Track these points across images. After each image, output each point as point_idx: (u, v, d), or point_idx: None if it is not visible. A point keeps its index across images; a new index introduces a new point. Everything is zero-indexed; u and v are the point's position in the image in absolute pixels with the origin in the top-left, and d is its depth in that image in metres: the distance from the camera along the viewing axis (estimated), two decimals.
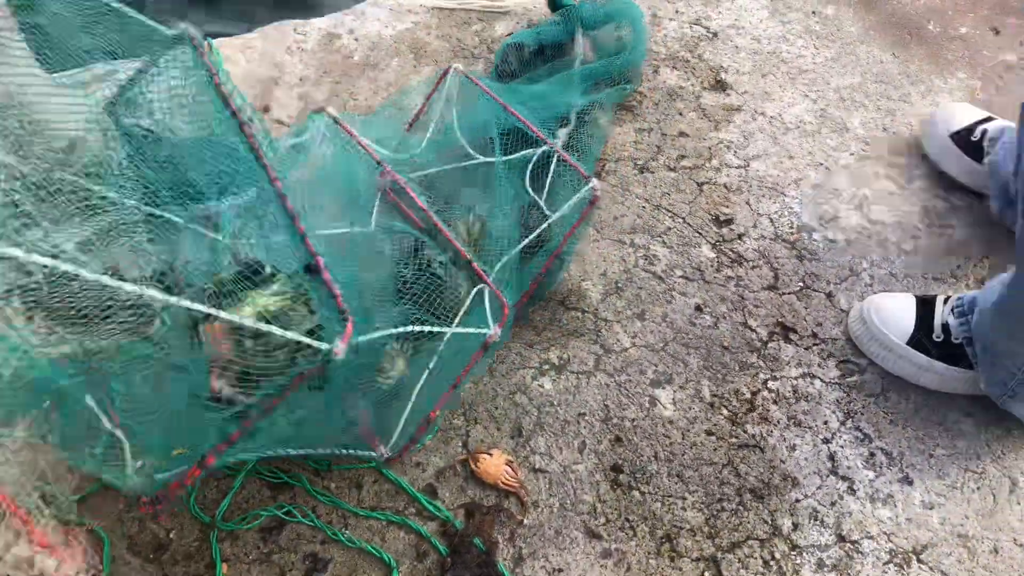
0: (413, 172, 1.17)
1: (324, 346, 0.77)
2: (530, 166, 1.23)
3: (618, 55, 1.52)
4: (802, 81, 1.72)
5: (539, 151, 1.23)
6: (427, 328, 0.97)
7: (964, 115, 1.52)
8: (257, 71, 1.65)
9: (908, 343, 1.26)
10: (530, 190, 1.21)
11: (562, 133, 1.39)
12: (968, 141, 1.48)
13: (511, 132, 1.24)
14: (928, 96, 1.70)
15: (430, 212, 1.07)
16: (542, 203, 1.18)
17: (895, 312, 1.28)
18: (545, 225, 1.17)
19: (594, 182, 1.17)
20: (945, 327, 1.24)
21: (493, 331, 1.00)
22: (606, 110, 1.53)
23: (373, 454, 1.10)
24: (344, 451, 1.11)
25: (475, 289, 1.04)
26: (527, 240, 1.17)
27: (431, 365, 1.04)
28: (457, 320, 1.03)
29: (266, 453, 1.02)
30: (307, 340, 0.78)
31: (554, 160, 1.20)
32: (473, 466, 1.13)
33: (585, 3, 1.57)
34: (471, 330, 1.01)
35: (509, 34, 1.71)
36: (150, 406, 0.86)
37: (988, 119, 1.50)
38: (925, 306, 1.28)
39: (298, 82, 1.64)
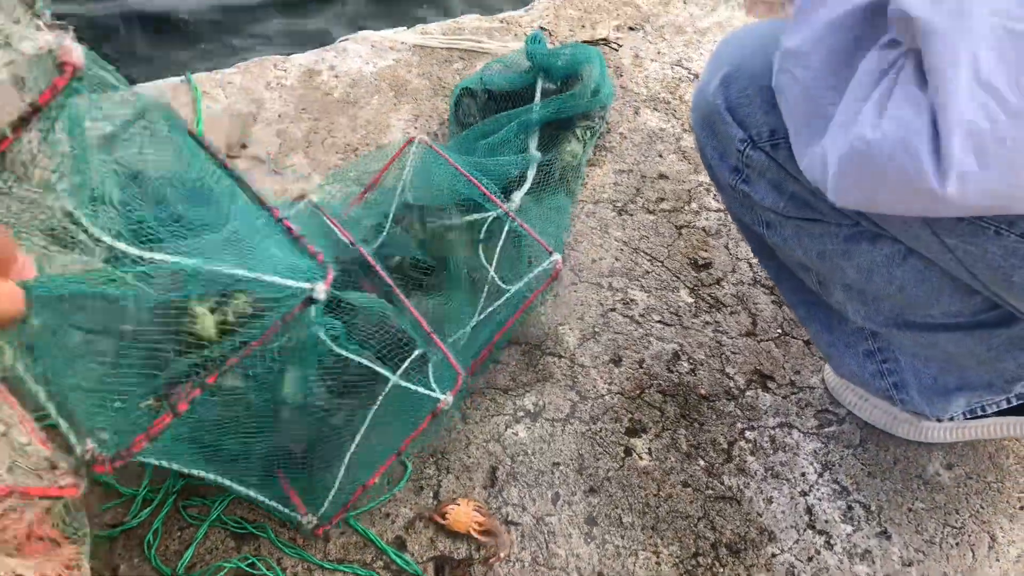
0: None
1: (439, 395, 0.97)
2: (483, 232, 1.22)
3: (576, 103, 1.50)
4: None
5: (490, 215, 1.21)
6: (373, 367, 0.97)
7: None
8: (236, 107, 1.64)
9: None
10: (482, 255, 1.20)
11: (517, 197, 1.37)
12: None
13: (469, 198, 1.23)
14: None
15: (395, 287, 1.07)
16: (490, 269, 1.17)
17: None
18: (502, 300, 1.16)
19: (556, 257, 1.17)
20: None
21: (444, 398, 0.98)
22: (574, 165, 1.52)
23: (300, 518, 1.06)
24: (272, 503, 1.06)
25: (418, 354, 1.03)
26: (483, 314, 1.16)
27: (364, 425, 1.01)
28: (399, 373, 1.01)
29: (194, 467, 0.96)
30: (425, 391, 0.98)
31: (507, 225, 1.19)
32: (441, 520, 1.10)
33: (549, 50, 1.56)
34: (421, 389, 0.99)
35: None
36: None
37: None
38: None
39: (277, 119, 1.63)
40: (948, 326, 1.05)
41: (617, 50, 1.82)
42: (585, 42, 1.80)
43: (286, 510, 1.06)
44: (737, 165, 1.03)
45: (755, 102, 0.98)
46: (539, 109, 1.47)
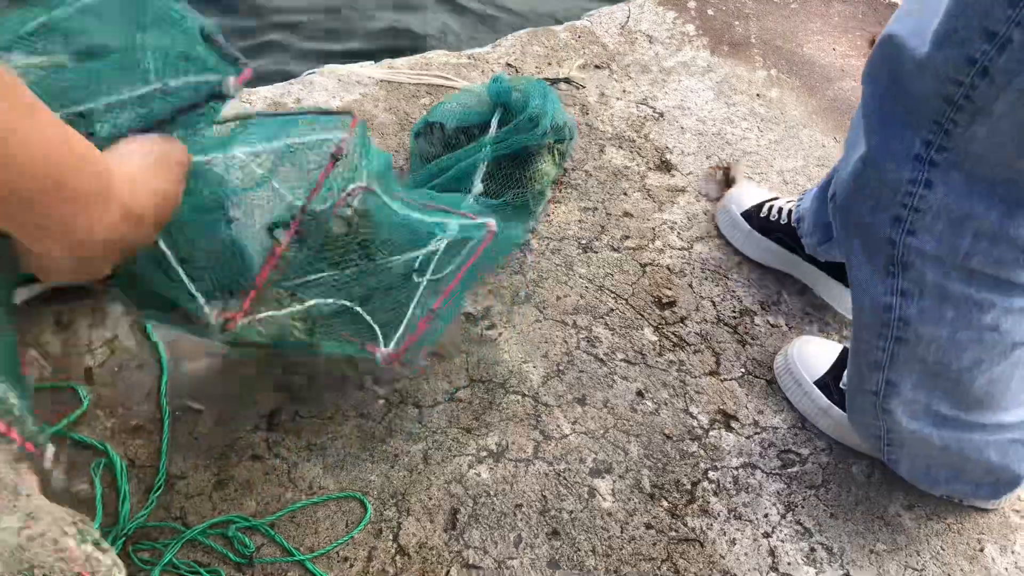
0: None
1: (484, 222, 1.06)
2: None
3: (524, 136, 1.47)
4: (746, 163, 1.74)
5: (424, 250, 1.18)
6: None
7: (752, 195, 1.58)
8: None
9: (815, 382, 1.30)
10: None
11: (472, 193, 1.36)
12: (757, 217, 1.53)
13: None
14: None
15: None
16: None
17: (816, 353, 1.34)
18: (424, 252, 1.13)
19: (488, 220, 1.16)
20: None
21: (490, 222, 1.06)
22: (539, 191, 1.51)
23: (375, 354, 1.05)
24: (347, 345, 1.08)
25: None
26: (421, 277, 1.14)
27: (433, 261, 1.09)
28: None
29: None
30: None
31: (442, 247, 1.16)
32: None
33: (506, 85, 1.54)
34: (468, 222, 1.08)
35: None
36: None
37: (775, 198, 1.56)
38: (846, 355, 1.32)
39: None
40: (1007, 426, 1.09)
41: (581, 89, 1.83)
42: (546, 79, 1.81)
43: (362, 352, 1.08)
44: (899, 214, 0.95)
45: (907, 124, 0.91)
46: (490, 145, 1.45)
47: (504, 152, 1.44)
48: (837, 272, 1.44)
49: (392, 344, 1.06)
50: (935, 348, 1.01)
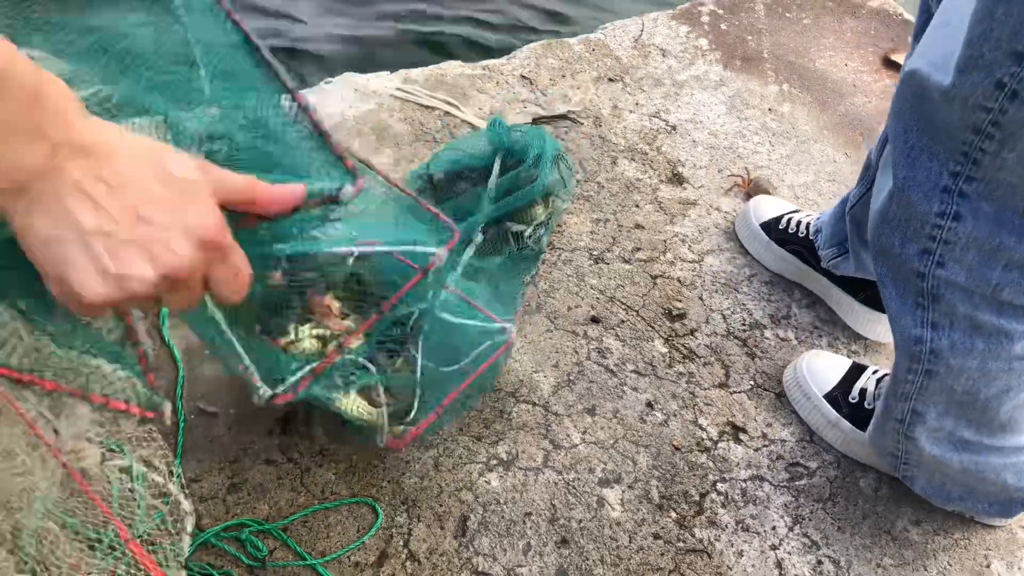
0: None
1: (431, 249, 0.93)
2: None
3: (521, 190, 1.46)
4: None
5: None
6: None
7: (773, 207, 1.60)
8: None
9: (825, 396, 1.32)
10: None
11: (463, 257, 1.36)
12: (776, 229, 1.55)
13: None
14: None
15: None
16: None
17: (825, 367, 1.35)
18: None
19: (508, 327, 1.14)
20: (863, 392, 1.30)
21: (438, 252, 0.95)
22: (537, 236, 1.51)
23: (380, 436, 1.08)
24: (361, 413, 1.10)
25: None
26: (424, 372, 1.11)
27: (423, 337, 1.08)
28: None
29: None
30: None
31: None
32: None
33: (510, 129, 1.53)
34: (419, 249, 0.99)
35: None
36: None
37: (795, 211, 1.58)
38: (855, 370, 1.34)
39: None
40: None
41: (581, 124, 1.84)
42: (542, 119, 1.81)
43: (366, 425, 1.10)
44: (927, 247, 0.94)
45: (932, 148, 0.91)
46: (490, 202, 1.44)
47: (503, 213, 1.45)
48: (851, 287, 1.45)
49: (388, 435, 1.08)
50: (965, 379, 1.01)
